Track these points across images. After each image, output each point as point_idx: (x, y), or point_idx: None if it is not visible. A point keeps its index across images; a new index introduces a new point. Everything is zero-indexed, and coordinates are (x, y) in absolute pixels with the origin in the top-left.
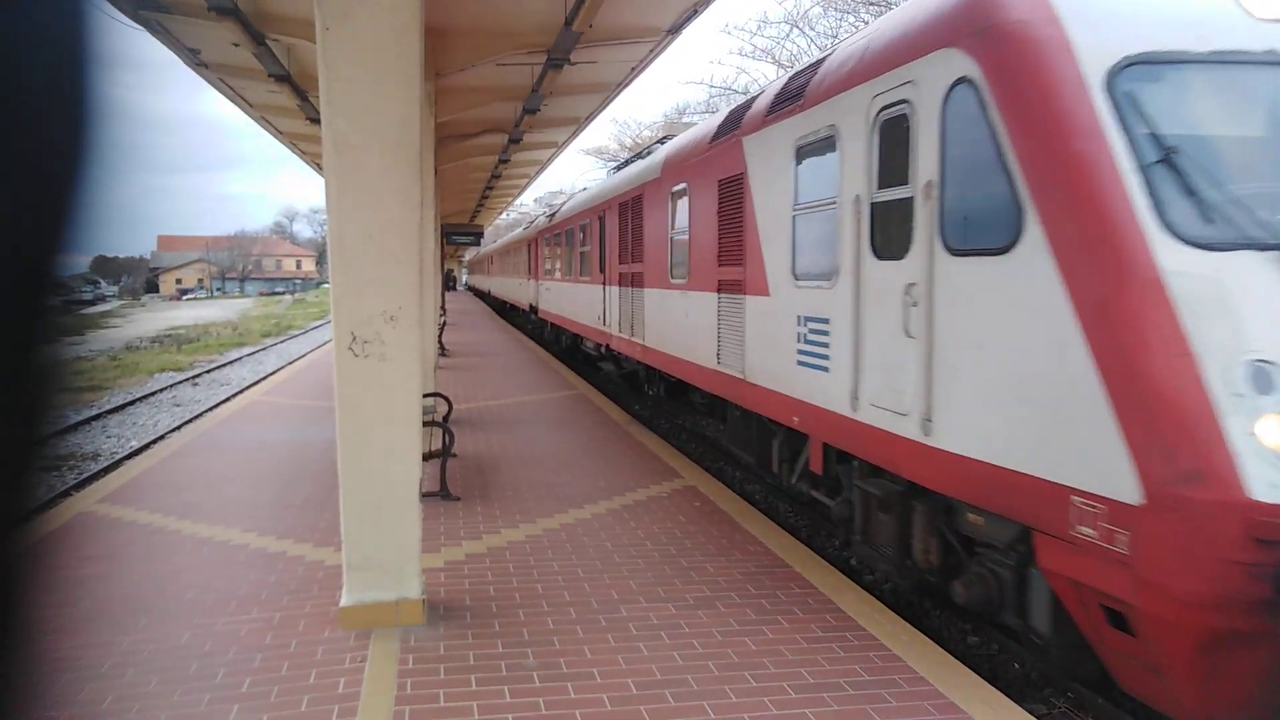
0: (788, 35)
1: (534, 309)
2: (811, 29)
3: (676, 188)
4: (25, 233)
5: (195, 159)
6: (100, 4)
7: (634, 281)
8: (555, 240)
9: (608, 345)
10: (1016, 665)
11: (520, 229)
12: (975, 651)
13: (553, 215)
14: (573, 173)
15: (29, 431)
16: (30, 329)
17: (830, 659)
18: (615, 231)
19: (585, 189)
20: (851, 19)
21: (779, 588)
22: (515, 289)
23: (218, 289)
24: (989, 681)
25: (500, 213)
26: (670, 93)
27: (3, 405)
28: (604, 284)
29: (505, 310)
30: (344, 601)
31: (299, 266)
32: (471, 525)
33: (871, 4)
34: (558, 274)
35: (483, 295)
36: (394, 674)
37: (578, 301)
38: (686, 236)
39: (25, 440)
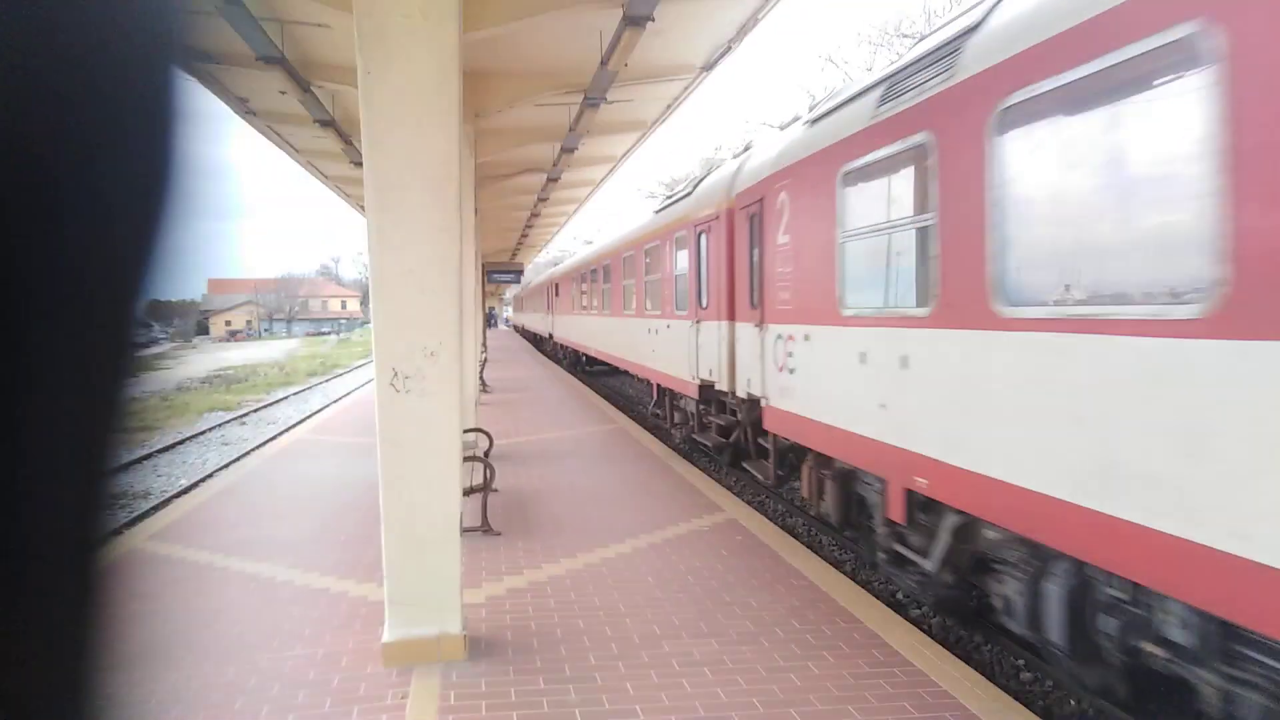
0: (821, 69)
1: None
2: (845, 62)
3: None
4: (121, 271)
5: (245, 204)
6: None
7: None
8: None
9: None
10: (1073, 703)
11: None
12: (1029, 688)
13: None
14: (609, 211)
15: (101, 462)
16: (119, 364)
17: (878, 695)
18: None
19: None
20: (886, 52)
21: (824, 622)
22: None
23: (265, 330)
24: (1044, 719)
25: (539, 250)
26: (705, 130)
27: (84, 435)
28: None
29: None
30: (386, 637)
31: (344, 307)
32: (512, 560)
33: (905, 36)
34: None
35: (537, 340)
36: (435, 710)
37: None
38: None
39: (98, 470)
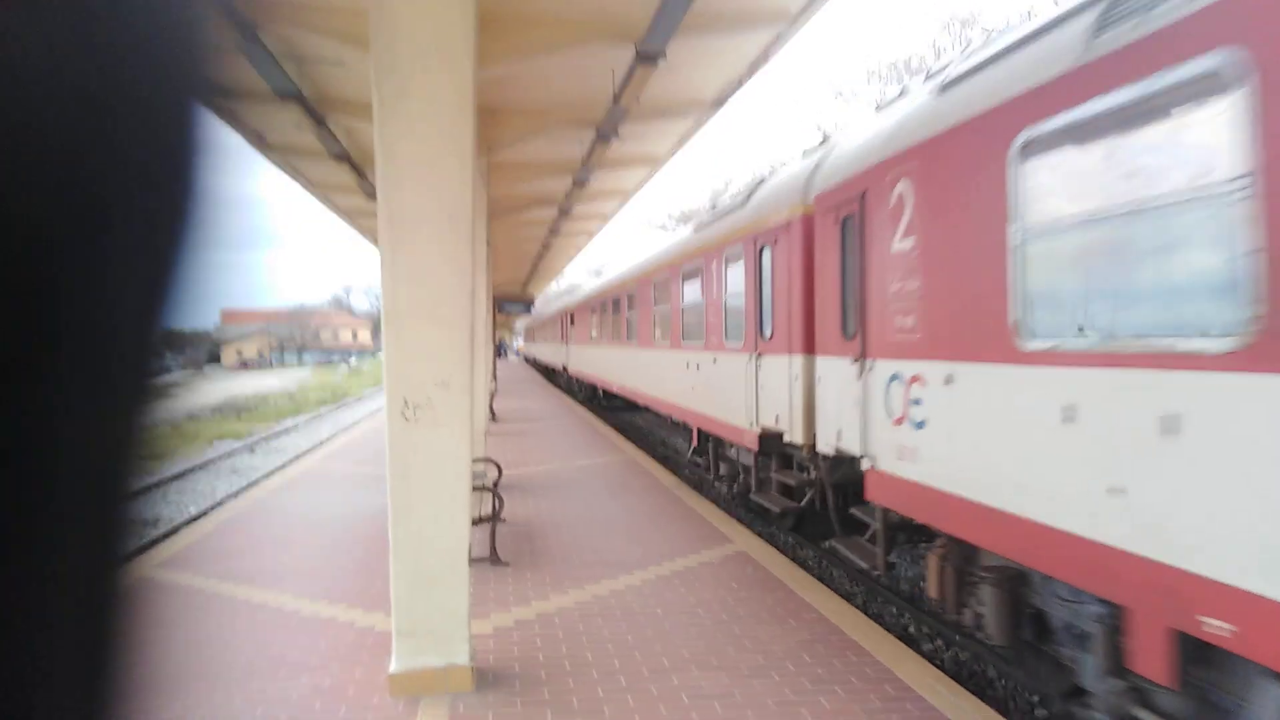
0: (831, 103)
1: None
2: (854, 96)
3: None
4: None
5: (259, 235)
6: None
7: None
8: None
9: None
10: None
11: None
12: None
13: None
14: (619, 244)
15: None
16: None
17: None
18: None
19: None
20: (894, 87)
21: (834, 656)
22: None
23: (277, 359)
24: None
25: (550, 281)
26: (711, 166)
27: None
28: None
29: None
30: (393, 668)
31: (355, 337)
32: (520, 591)
33: (916, 72)
34: None
35: (549, 373)
36: None
37: None
38: None
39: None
